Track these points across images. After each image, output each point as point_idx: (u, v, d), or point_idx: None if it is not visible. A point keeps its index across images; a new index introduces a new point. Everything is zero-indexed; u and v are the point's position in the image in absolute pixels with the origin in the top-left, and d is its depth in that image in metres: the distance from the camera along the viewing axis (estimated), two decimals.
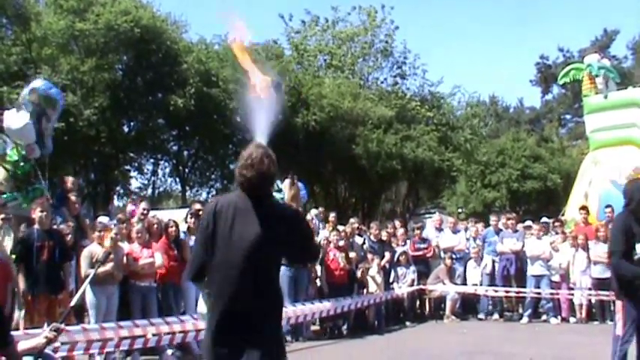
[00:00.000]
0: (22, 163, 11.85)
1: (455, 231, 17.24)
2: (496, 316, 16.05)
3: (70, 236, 10.34)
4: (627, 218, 7.03)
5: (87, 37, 24.53)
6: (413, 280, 15.84)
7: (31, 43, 24.37)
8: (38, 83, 12.98)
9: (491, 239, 16.44)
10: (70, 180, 12.12)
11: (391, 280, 15.64)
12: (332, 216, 16.30)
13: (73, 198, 11.39)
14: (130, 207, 14.13)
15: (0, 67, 22.12)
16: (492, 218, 17.37)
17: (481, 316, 16.07)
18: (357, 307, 13.85)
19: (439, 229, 17.64)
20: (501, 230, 16.43)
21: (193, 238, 11.80)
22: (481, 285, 16.03)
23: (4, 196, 11.19)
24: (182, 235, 11.82)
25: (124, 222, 11.73)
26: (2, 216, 10.26)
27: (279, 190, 17.30)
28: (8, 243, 9.91)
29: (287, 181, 12.93)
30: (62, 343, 7.75)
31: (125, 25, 24.14)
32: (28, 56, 23.68)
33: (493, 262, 16.17)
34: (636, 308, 6.87)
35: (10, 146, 11.95)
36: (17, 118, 11.93)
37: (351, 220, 16.57)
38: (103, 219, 12.42)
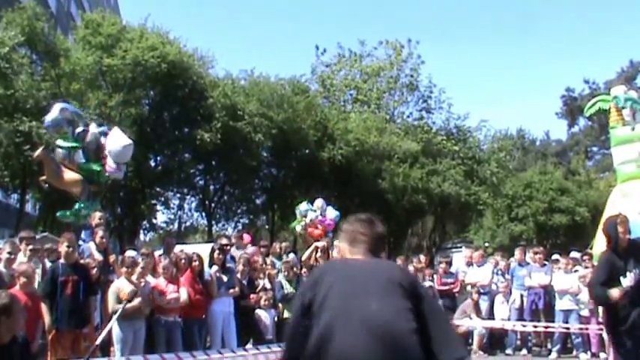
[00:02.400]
0: (101, 175, 12.01)
1: (481, 265, 17.04)
2: (524, 351, 15.77)
3: (95, 270, 10.34)
4: (610, 255, 7.45)
5: (114, 72, 24.84)
6: None
7: (60, 79, 24.70)
8: (61, 105, 13.16)
9: (518, 273, 16.23)
10: (97, 215, 12.16)
11: None
12: None
13: (100, 232, 11.41)
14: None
15: (29, 102, 22.37)
16: (516, 252, 17.16)
17: (509, 351, 15.79)
18: None
19: (469, 264, 17.40)
20: (527, 263, 16.24)
21: (213, 269, 11.81)
22: (510, 320, 15.81)
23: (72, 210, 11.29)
24: (207, 270, 11.79)
25: (148, 256, 11.73)
26: (30, 247, 10.27)
27: (314, 210, 17.23)
28: (36, 277, 9.92)
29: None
30: None
31: (152, 61, 24.41)
32: (56, 91, 23.95)
33: (521, 296, 15.95)
34: (630, 340, 6.89)
35: (80, 157, 12.06)
36: (121, 138, 12.10)
37: (381, 255, 16.35)
38: (131, 253, 12.43)
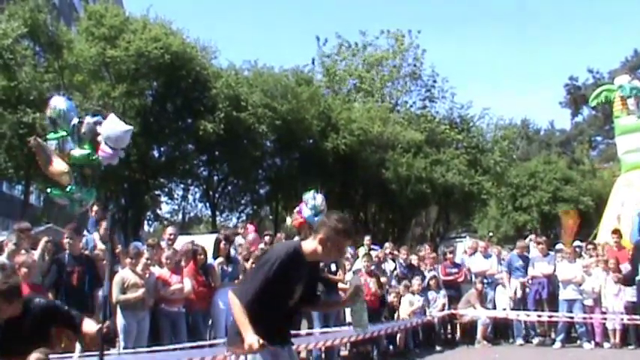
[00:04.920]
0: (92, 157, 11.89)
1: (486, 255, 17.02)
2: (528, 340, 15.79)
3: (104, 262, 10.35)
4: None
5: (118, 63, 24.85)
6: (444, 305, 15.63)
7: (63, 70, 24.70)
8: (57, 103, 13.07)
9: (516, 264, 16.18)
10: (94, 209, 12.17)
11: (421, 304, 15.44)
12: (367, 239, 16.20)
13: (104, 224, 11.43)
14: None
15: (33, 93, 22.36)
16: (518, 244, 17.11)
17: (513, 341, 15.83)
18: (387, 332, 13.69)
19: (472, 254, 17.36)
20: (527, 257, 16.20)
21: (218, 260, 11.77)
22: (511, 309, 15.77)
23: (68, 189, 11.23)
24: (210, 261, 11.77)
25: (154, 247, 11.73)
26: (45, 238, 10.28)
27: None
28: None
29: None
30: None
31: (155, 52, 24.41)
32: (60, 83, 23.96)
33: (523, 285, 15.92)
34: None
35: (70, 145, 11.98)
36: (118, 124, 12.03)
37: (386, 244, 16.44)
38: (136, 244, 12.45)
